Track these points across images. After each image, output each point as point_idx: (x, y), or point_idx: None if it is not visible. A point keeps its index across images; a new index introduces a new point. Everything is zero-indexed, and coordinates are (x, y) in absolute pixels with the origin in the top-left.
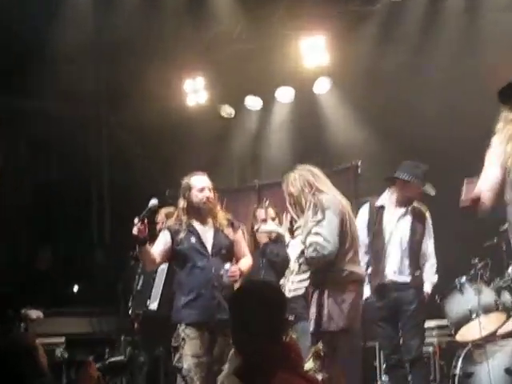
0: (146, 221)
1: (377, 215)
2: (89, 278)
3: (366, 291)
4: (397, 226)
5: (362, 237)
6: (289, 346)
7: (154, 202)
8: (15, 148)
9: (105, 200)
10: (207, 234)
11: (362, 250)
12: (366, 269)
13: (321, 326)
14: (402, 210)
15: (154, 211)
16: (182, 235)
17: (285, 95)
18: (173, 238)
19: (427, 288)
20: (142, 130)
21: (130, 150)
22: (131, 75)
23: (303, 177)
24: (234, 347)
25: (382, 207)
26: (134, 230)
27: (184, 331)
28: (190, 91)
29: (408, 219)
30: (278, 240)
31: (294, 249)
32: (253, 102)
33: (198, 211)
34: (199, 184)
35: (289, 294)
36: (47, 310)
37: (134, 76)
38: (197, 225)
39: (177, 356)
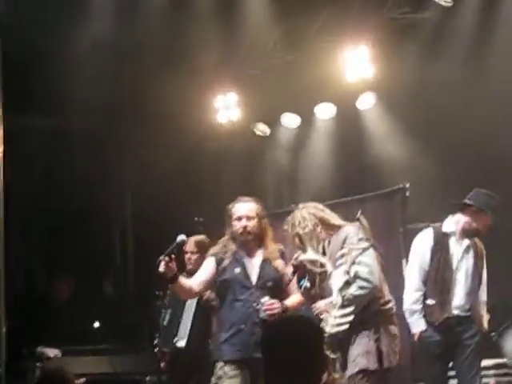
0: (173, 257)
1: (442, 243)
2: (110, 314)
3: (421, 324)
4: (463, 257)
5: (423, 264)
6: None
7: (181, 237)
8: (28, 171)
9: (128, 230)
10: (254, 265)
11: (418, 278)
12: (424, 299)
13: (382, 363)
14: (468, 241)
15: (181, 246)
16: (226, 264)
17: (325, 111)
18: (217, 267)
19: (485, 323)
20: (169, 150)
21: (155, 173)
22: (158, 90)
23: (313, 215)
24: None
25: (447, 234)
26: (161, 268)
27: (222, 369)
28: (222, 108)
29: (472, 251)
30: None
31: (336, 280)
32: (290, 120)
33: (239, 241)
34: (238, 212)
35: (331, 330)
36: (65, 347)
37: (161, 91)
38: (243, 255)
39: None
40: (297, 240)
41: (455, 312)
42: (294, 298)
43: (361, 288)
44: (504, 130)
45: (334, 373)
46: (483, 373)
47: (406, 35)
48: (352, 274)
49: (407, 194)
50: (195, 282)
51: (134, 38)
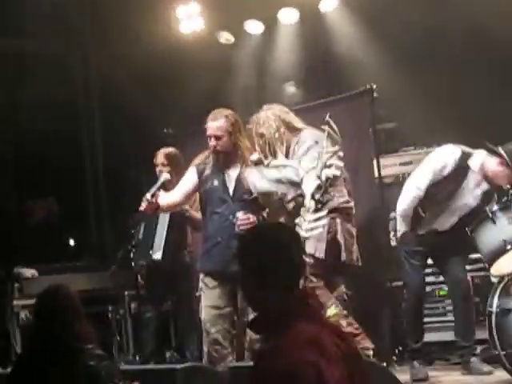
0: (156, 194)
1: (463, 170)
2: (85, 230)
3: (406, 226)
4: (473, 192)
5: (438, 175)
6: (305, 293)
7: (165, 176)
8: None
9: (97, 146)
10: (231, 178)
11: (425, 185)
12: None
13: (339, 257)
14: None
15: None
16: (207, 175)
17: (288, 16)
18: (199, 178)
19: None
20: (132, 64)
21: (120, 89)
22: (116, 3)
23: (278, 116)
24: (245, 299)
25: (469, 167)
26: (142, 206)
27: (203, 280)
28: (184, 18)
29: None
30: None
31: (308, 184)
32: (254, 27)
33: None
34: (207, 131)
35: (306, 234)
36: (41, 266)
37: (120, 4)
38: (223, 167)
39: (199, 307)
40: (260, 140)
41: (438, 228)
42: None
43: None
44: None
45: (310, 276)
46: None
47: None
48: (323, 178)
49: (375, 94)
50: (178, 194)
51: None
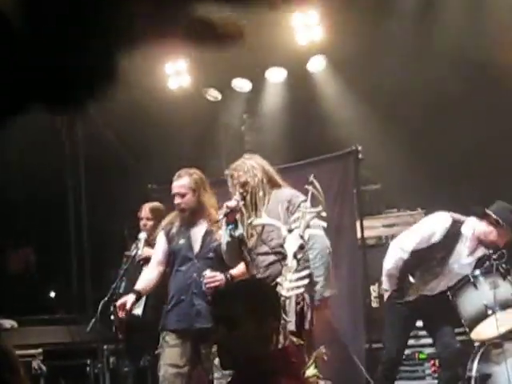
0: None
1: (454, 237)
2: (66, 283)
3: (394, 286)
4: (466, 261)
5: (426, 241)
6: (287, 350)
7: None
8: None
9: (81, 200)
10: (197, 236)
11: (411, 247)
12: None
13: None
14: (481, 252)
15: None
16: (172, 234)
17: (276, 75)
18: (167, 239)
19: None
20: (118, 118)
21: (105, 143)
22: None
23: (262, 166)
24: (219, 356)
25: (461, 233)
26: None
27: (164, 338)
28: (172, 74)
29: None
30: None
31: (291, 244)
32: (241, 84)
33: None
34: (172, 190)
35: (287, 294)
36: (21, 318)
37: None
38: (189, 226)
39: (158, 365)
40: (242, 189)
41: (428, 293)
42: (240, 267)
43: (317, 250)
44: (453, 86)
45: (290, 336)
46: None
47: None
48: (306, 238)
49: (360, 156)
50: (153, 273)
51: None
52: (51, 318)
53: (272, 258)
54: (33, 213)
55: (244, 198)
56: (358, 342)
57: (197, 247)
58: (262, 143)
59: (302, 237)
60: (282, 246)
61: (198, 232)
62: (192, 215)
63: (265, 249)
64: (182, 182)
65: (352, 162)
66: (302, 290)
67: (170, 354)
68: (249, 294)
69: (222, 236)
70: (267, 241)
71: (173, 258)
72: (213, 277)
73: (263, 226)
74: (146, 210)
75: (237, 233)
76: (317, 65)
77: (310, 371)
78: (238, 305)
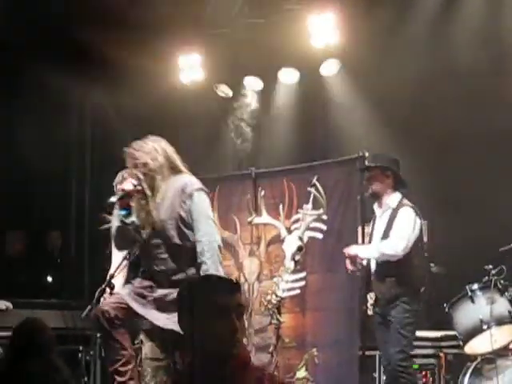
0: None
1: None
2: (64, 269)
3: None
4: None
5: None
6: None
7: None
8: None
9: (85, 187)
10: None
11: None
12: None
13: None
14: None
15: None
16: None
17: (288, 76)
18: None
19: None
20: (130, 109)
21: (117, 136)
22: (120, 50)
23: (165, 151)
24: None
25: None
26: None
27: (143, 333)
28: (185, 68)
29: None
30: None
31: (289, 245)
32: (253, 83)
33: None
34: None
35: (282, 294)
36: (17, 300)
37: (123, 51)
38: None
39: (138, 358)
40: (143, 168)
41: None
42: None
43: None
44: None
45: (283, 337)
46: (432, 344)
47: (372, 3)
48: (305, 240)
49: (366, 162)
50: None
51: None
52: (46, 302)
53: (166, 252)
54: (34, 196)
55: (141, 181)
56: (352, 348)
57: None
58: (270, 142)
59: (301, 238)
60: (176, 238)
61: None
62: None
63: (158, 241)
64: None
65: (358, 167)
66: (297, 291)
67: (151, 348)
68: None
69: (113, 220)
70: (161, 232)
71: None
72: None
73: (162, 219)
74: None
75: (128, 220)
76: (330, 68)
77: (301, 373)
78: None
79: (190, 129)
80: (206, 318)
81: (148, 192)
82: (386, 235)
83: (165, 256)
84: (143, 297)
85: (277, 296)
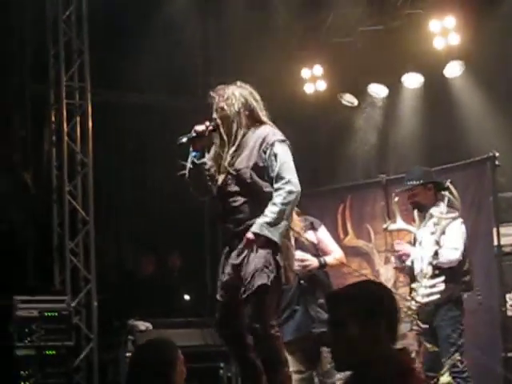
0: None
1: None
2: (201, 287)
3: None
4: None
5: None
6: (403, 355)
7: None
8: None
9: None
10: None
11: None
12: None
13: None
14: None
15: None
16: None
17: (413, 81)
18: None
19: None
20: None
21: None
22: (244, 62)
23: (245, 98)
24: (333, 359)
25: None
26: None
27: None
28: (308, 78)
29: None
30: None
31: (426, 250)
32: (377, 90)
33: None
34: None
35: (422, 300)
36: (156, 320)
37: (248, 63)
38: None
39: None
40: (219, 114)
41: None
42: (336, 254)
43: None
44: None
45: (425, 342)
46: None
47: (493, 4)
48: (442, 244)
49: (497, 162)
50: None
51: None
52: (185, 321)
53: (242, 199)
54: (170, 218)
55: (217, 126)
56: (493, 350)
57: None
58: (398, 148)
59: (437, 242)
60: (253, 186)
61: None
62: None
63: (235, 188)
64: None
65: (489, 168)
66: (437, 296)
67: (292, 361)
68: (362, 297)
69: (188, 164)
70: (237, 180)
71: None
72: (303, 259)
73: (238, 169)
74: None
75: (199, 161)
76: (454, 70)
77: (444, 379)
78: (352, 308)
79: (316, 138)
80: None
81: (224, 137)
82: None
83: (238, 204)
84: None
85: (416, 302)
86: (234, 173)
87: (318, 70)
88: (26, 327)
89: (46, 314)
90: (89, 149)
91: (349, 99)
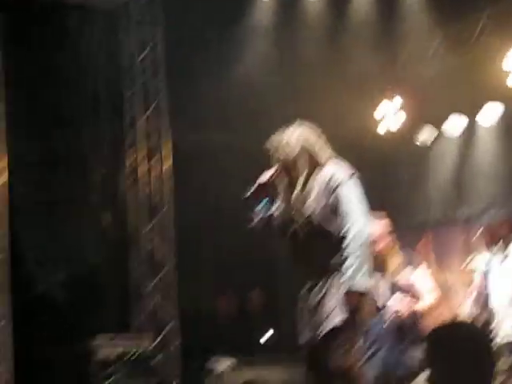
0: None
1: None
2: (278, 323)
3: None
4: None
5: None
6: None
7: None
8: None
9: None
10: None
11: None
12: None
13: None
14: None
15: None
16: None
17: (488, 117)
18: None
19: None
20: None
21: None
22: (320, 101)
23: (303, 142)
24: None
25: None
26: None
27: None
28: (383, 117)
29: None
30: None
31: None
32: (456, 121)
33: None
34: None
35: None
36: (240, 357)
37: (323, 102)
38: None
39: None
40: (280, 163)
41: None
42: (422, 302)
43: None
44: None
45: None
46: None
47: None
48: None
49: None
50: None
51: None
52: (271, 357)
53: (314, 241)
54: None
55: (279, 174)
56: None
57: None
58: (475, 186)
59: None
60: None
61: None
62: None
63: (304, 232)
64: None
65: None
66: None
67: None
68: (469, 340)
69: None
70: (308, 224)
71: None
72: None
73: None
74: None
75: (270, 209)
76: None
77: None
78: (460, 349)
79: (395, 174)
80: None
81: (288, 183)
82: None
83: (312, 247)
84: None
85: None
86: (304, 216)
87: (394, 106)
88: (106, 369)
89: (127, 355)
90: (167, 190)
91: (423, 139)
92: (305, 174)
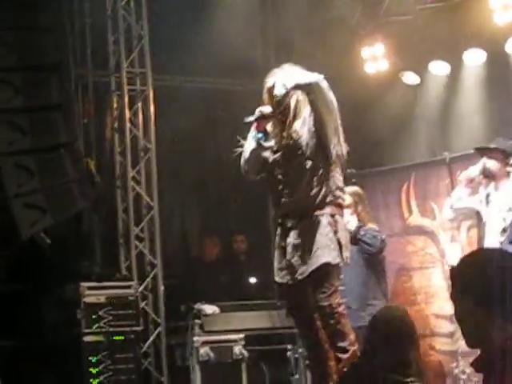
0: None
1: None
2: (266, 269)
3: None
4: None
5: None
6: None
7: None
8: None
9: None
10: None
11: None
12: None
13: None
14: None
15: None
16: None
17: (474, 57)
18: None
19: None
20: None
21: None
22: (305, 44)
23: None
24: (463, 333)
25: None
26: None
27: None
28: (369, 58)
29: None
30: None
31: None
32: (439, 67)
33: None
34: None
35: None
36: (223, 304)
37: (308, 44)
38: None
39: None
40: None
41: None
42: None
43: None
44: None
45: None
46: None
47: None
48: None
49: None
50: None
51: None
52: (251, 304)
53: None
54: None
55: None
56: None
57: None
58: (460, 125)
59: (504, 220)
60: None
61: None
62: None
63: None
64: None
65: None
66: None
67: None
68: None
69: (247, 142)
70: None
71: None
72: None
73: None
74: (348, 196)
75: (266, 143)
76: None
77: None
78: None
79: (378, 118)
80: None
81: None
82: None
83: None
84: None
85: None
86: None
87: (380, 48)
88: (94, 313)
89: (113, 299)
90: (151, 134)
91: (411, 78)
92: (295, 111)
